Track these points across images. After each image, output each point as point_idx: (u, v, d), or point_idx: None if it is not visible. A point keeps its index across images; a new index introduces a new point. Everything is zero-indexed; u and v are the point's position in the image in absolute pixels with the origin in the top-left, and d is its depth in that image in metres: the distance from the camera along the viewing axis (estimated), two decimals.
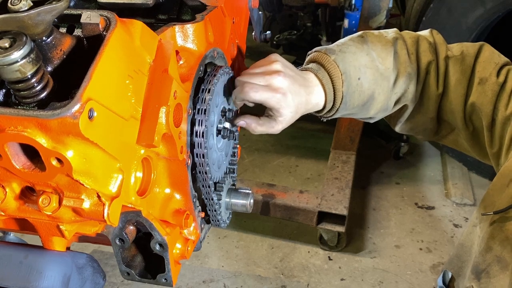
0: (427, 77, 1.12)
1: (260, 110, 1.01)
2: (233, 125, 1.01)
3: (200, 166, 0.88)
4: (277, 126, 0.98)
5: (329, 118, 1.10)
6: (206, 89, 0.87)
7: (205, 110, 0.86)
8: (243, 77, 0.96)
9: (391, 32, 1.13)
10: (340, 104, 1.03)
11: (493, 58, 1.11)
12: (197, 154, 0.87)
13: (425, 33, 1.17)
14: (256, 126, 0.98)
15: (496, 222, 0.99)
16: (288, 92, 0.94)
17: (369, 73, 1.05)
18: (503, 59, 1.12)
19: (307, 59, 1.09)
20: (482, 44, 1.14)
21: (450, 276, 1.15)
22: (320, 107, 1.03)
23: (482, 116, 1.09)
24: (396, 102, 1.13)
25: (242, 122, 0.99)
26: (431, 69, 1.12)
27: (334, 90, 1.02)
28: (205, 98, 0.86)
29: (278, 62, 0.97)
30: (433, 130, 1.20)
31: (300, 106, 0.98)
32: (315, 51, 1.07)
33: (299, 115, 1.00)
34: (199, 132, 0.86)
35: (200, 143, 0.86)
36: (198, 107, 0.86)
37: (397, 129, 1.23)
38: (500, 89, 1.08)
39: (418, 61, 1.12)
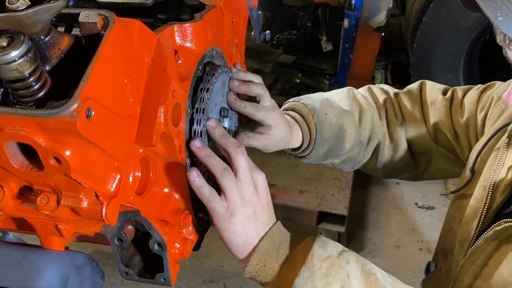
0: (388, 113, 1.28)
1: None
2: (233, 129, 1.02)
3: (199, 165, 0.88)
4: (262, 141, 1.04)
5: (309, 158, 1.17)
6: (205, 88, 0.87)
7: (203, 109, 0.85)
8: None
9: (345, 88, 1.29)
10: (316, 134, 1.13)
11: (435, 86, 1.29)
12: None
13: (372, 86, 1.35)
14: (254, 140, 1.03)
15: (456, 200, 1.12)
16: (279, 115, 1.06)
17: (333, 111, 1.18)
18: (444, 86, 1.30)
19: (282, 108, 1.20)
20: (422, 81, 1.33)
21: (434, 268, 1.25)
22: (299, 143, 1.14)
23: (445, 131, 1.23)
24: (369, 140, 1.24)
25: (246, 141, 1.02)
26: (388, 105, 1.28)
27: (307, 124, 1.14)
28: (203, 97, 0.86)
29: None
30: (413, 165, 1.31)
31: (286, 135, 1.08)
32: (287, 102, 1.21)
33: (283, 143, 1.09)
34: (198, 132, 0.86)
35: None
36: (196, 106, 0.85)
37: (382, 174, 1.34)
38: (450, 104, 1.24)
39: (374, 101, 1.28)
